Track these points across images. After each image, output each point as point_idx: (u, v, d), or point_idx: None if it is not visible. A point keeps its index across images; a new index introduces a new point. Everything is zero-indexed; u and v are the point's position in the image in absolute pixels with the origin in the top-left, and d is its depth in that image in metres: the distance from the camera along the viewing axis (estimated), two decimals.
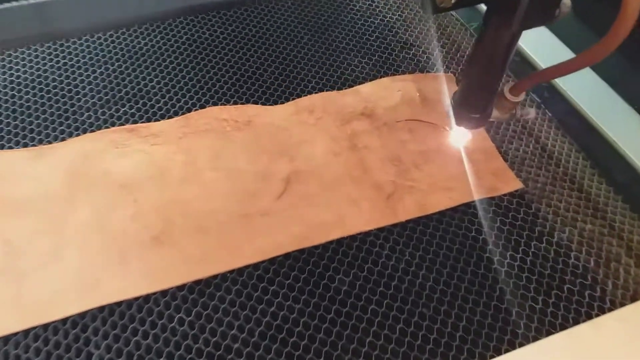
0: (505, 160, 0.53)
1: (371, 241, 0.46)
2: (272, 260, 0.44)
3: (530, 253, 0.46)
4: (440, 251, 0.46)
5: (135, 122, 0.54)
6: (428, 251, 0.46)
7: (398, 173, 0.52)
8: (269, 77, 0.61)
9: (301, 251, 0.45)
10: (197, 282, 0.42)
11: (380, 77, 0.62)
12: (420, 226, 0.47)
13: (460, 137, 0.54)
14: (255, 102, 0.57)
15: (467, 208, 0.49)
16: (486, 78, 0.42)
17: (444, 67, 0.63)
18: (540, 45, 0.64)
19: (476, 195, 0.50)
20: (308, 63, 0.62)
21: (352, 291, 0.43)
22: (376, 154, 0.54)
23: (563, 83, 0.60)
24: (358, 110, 0.59)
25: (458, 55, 0.65)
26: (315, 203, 0.49)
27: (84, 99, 0.55)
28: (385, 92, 0.61)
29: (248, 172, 0.51)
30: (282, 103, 0.59)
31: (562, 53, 0.64)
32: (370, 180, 0.51)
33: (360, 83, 0.61)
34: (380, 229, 0.47)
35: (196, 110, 0.56)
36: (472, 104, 0.44)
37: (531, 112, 0.46)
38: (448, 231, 0.47)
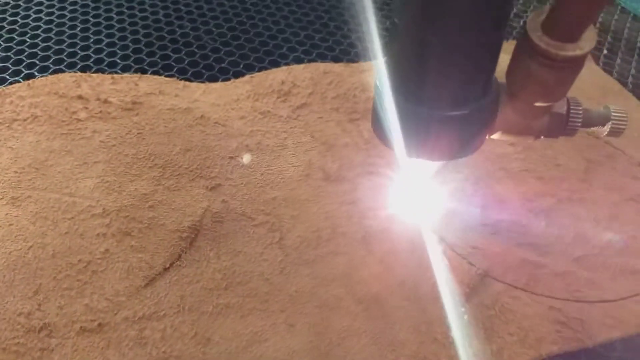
0: None
1: None
2: None
3: None
4: None
5: None
6: None
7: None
8: (210, 43, 0.39)
9: None
10: None
11: None
12: None
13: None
14: (171, 77, 0.36)
15: None
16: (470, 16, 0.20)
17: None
18: None
19: None
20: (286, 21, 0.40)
21: None
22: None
23: None
24: None
25: None
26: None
27: None
28: None
29: (94, 208, 0.28)
30: (227, 80, 0.35)
31: None
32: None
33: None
34: None
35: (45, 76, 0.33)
36: (443, 91, 0.22)
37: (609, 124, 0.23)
38: None
